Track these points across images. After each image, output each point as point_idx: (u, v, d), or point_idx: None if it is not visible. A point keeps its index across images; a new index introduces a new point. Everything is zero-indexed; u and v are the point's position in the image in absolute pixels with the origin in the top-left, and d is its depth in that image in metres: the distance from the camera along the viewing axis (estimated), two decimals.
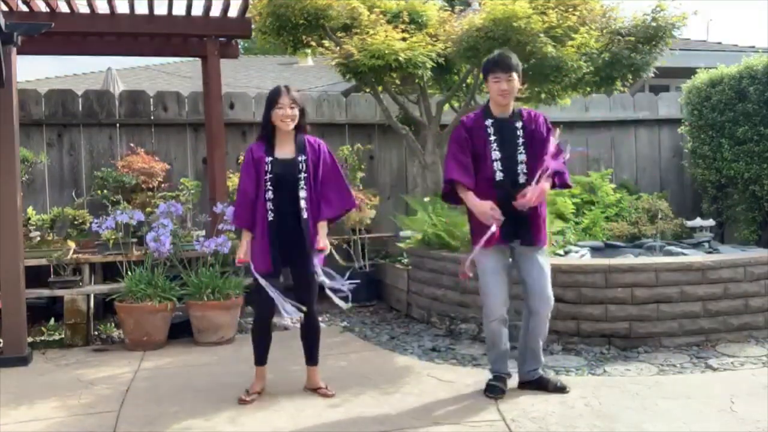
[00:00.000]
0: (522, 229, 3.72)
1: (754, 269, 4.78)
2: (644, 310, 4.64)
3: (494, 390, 3.76)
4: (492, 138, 3.73)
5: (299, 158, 3.77)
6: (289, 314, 3.65)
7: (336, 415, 3.56)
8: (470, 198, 3.71)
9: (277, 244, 3.73)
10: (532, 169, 3.69)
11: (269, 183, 3.73)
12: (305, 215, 3.74)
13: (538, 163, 3.66)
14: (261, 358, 3.92)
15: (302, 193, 3.74)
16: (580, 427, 3.30)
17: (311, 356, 3.96)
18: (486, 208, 3.63)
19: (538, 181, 3.63)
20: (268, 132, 3.80)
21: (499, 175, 3.71)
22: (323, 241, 3.79)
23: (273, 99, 3.74)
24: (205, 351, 5.06)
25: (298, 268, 3.82)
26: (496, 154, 3.72)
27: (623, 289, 4.66)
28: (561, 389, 3.80)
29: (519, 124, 3.76)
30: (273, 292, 3.63)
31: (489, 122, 3.76)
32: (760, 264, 4.81)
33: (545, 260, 3.85)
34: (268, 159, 3.75)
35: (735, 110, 6.80)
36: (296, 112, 3.74)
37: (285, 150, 3.80)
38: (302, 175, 3.75)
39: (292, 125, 3.75)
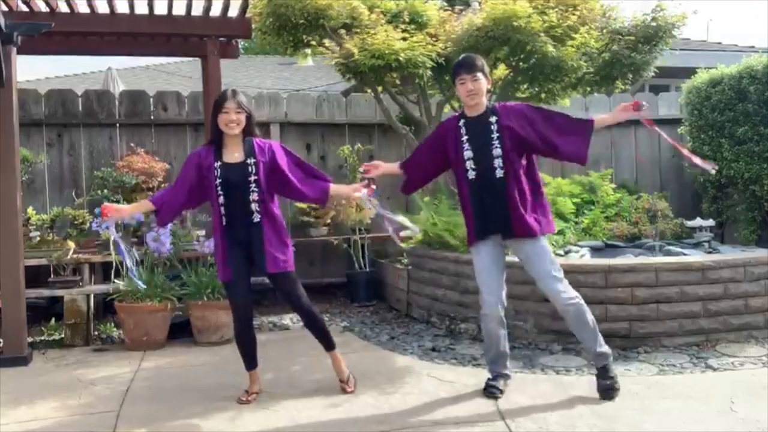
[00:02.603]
0: (499, 223, 3.73)
1: (754, 269, 4.78)
2: (644, 310, 4.64)
3: (492, 390, 3.77)
4: (464, 138, 3.78)
5: (248, 161, 3.74)
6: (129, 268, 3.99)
7: (336, 415, 3.56)
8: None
9: (234, 248, 3.73)
10: (509, 161, 3.70)
11: (219, 188, 3.71)
12: (257, 219, 3.73)
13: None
14: (249, 364, 3.90)
15: (253, 196, 3.71)
16: (580, 427, 3.30)
17: (323, 344, 3.97)
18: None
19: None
20: (216, 137, 3.79)
21: (471, 174, 3.77)
22: (351, 189, 4.14)
23: (219, 104, 3.73)
24: (205, 351, 5.06)
25: (261, 270, 3.79)
26: (468, 154, 3.77)
27: (623, 289, 4.66)
28: (605, 392, 3.68)
29: (493, 119, 3.76)
30: (122, 249, 3.94)
31: (461, 123, 3.81)
32: (760, 264, 4.81)
33: (541, 250, 3.73)
34: (217, 164, 3.74)
35: (735, 110, 6.79)
36: (242, 117, 3.73)
37: (234, 154, 3.77)
38: (252, 178, 3.72)
39: (237, 130, 3.73)
